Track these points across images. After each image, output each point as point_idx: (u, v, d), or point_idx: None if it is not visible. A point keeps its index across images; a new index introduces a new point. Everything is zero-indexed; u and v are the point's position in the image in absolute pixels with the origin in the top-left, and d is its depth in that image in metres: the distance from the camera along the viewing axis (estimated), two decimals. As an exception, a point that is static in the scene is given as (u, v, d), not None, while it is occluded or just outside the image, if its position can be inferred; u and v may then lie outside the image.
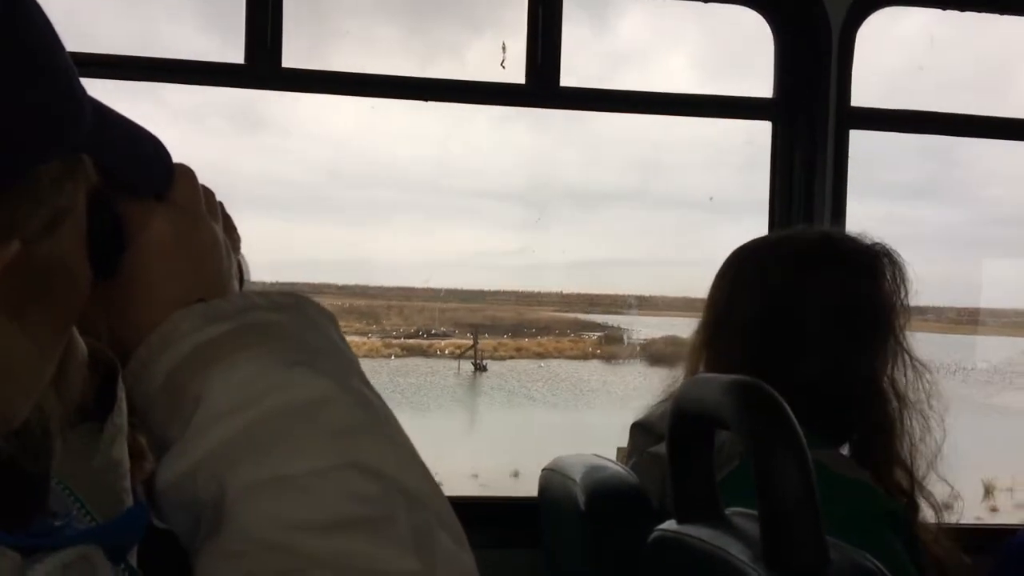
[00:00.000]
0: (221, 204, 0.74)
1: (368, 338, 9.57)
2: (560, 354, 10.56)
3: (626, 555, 1.56)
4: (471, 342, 10.25)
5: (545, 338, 10.53)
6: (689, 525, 1.23)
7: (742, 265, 1.65)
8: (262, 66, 2.22)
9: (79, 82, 0.59)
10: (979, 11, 2.47)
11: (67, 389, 0.63)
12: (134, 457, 1.11)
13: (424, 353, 10.14)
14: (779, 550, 1.04)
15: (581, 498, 1.66)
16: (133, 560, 0.72)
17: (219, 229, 0.71)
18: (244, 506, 0.57)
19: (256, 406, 0.60)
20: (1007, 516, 6.75)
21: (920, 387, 1.58)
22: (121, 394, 0.99)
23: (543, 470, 1.95)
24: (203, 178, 0.71)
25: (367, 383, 0.66)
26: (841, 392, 1.56)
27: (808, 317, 1.55)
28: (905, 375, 1.58)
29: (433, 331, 10.23)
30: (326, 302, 0.70)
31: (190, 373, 0.62)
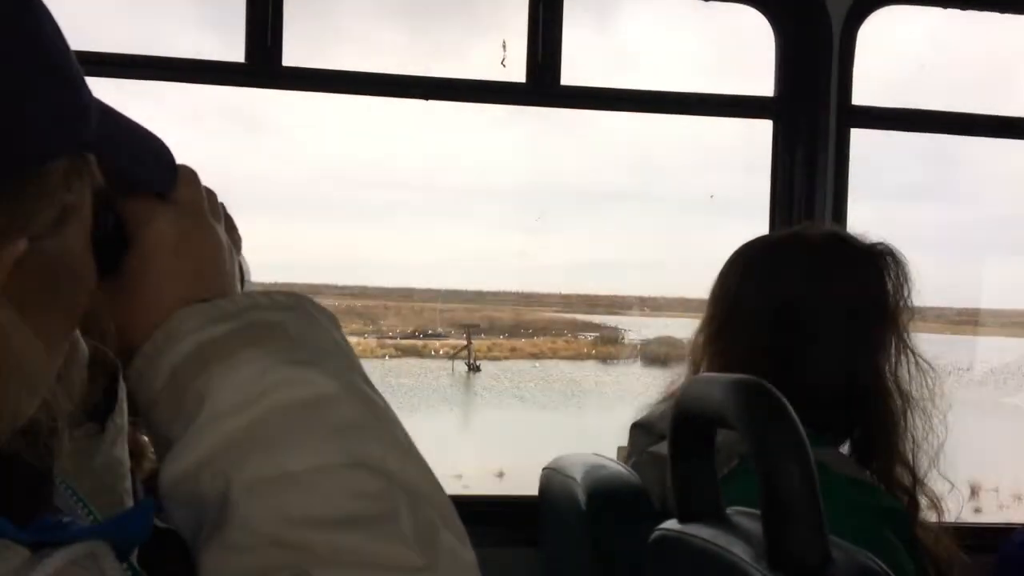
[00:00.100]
0: (223, 205, 0.74)
1: (364, 338, 9.57)
2: (555, 354, 10.57)
3: (627, 554, 1.56)
4: (466, 342, 10.25)
5: (541, 338, 10.54)
6: (691, 524, 1.24)
7: (750, 260, 1.65)
8: (262, 65, 2.22)
9: (85, 82, 0.60)
10: (980, 10, 2.47)
11: (70, 388, 0.63)
12: (134, 455, 1.12)
13: (419, 354, 10.16)
14: (781, 549, 1.04)
15: (582, 497, 1.67)
16: (133, 560, 0.72)
17: (221, 230, 0.71)
18: (249, 502, 0.58)
19: (259, 404, 0.60)
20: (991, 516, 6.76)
21: (923, 384, 1.58)
22: (122, 394, 0.99)
23: (544, 469, 1.95)
24: (203, 178, 0.72)
25: (369, 382, 0.66)
26: (846, 388, 1.56)
27: (819, 313, 1.56)
28: (909, 372, 1.59)
29: (430, 332, 10.24)
30: (323, 302, 0.70)
31: (194, 371, 0.62)
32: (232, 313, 0.64)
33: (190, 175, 0.70)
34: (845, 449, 1.61)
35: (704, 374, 1.54)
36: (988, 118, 2.54)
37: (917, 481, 1.57)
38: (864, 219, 2.59)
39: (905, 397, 1.57)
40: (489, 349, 10.28)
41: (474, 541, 0.63)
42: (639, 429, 1.74)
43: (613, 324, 10.64)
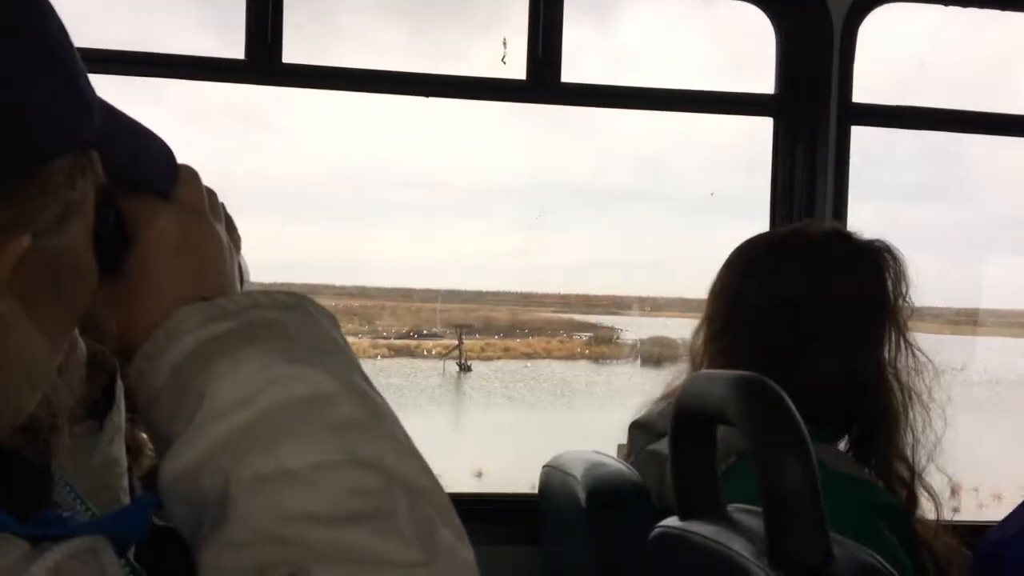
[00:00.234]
0: (223, 205, 0.75)
1: (358, 339, 9.55)
2: (548, 355, 10.54)
3: (627, 552, 1.56)
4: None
5: (535, 339, 10.51)
6: (691, 521, 1.24)
7: (751, 258, 1.65)
8: (262, 62, 2.22)
9: (89, 80, 0.60)
10: (981, 7, 2.46)
11: (69, 385, 0.64)
12: (133, 452, 1.12)
13: (411, 354, 10.14)
14: (782, 546, 1.04)
15: (582, 495, 1.67)
16: (130, 557, 0.72)
17: (222, 229, 0.72)
18: (248, 499, 0.58)
19: (259, 402, 0.60)
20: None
21: (922, 380, 1.59)
22: (120, 393, 1.00)
23: (544, 467, 1.95)
24: (204, 178, 0.72)
25: (368, 381, 0.67)
26: (846, 385, 1.57)
27: (819, 310, 1.57)
28: (908, 367, 1.59)
29: (425, 332, 10.24)
30: (322, 302, 0.70)
31: (194, 369, 0.62)
32: (233, 312, 0.65)
33: (191, 175, 0.70)
34: (841, 446, 1.62)
35: (704, 371, 1.54)
36: (989, 116, 2.54)
37: (915, 475, 1.57)
38: (866, 218, 2.59)
39: (906, 391, 1.58)
40: (483, 349, 10.25)
41: (474, 539, 0.63)
42: (638, 429, 1.74)
43: (610, 324, 10.62)
